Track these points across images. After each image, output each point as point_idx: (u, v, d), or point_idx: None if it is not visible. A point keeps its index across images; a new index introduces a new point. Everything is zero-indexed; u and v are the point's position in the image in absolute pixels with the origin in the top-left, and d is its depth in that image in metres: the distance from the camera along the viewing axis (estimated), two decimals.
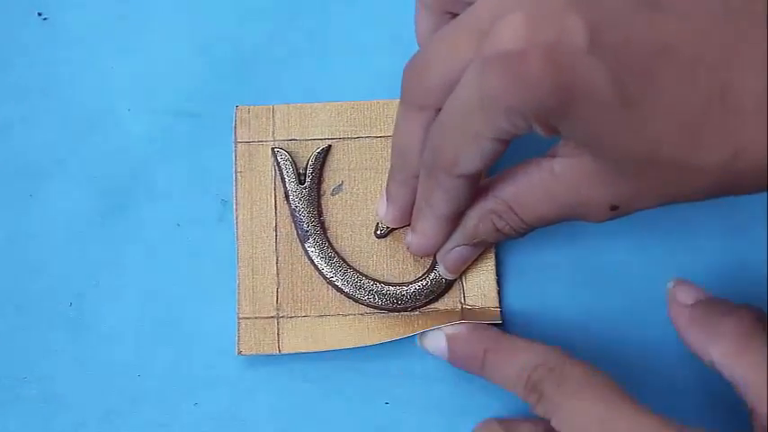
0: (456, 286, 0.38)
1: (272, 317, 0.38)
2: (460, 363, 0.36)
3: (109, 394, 0.38)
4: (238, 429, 0.38)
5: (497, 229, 0.34)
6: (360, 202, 0.39)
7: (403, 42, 0.39)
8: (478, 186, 0.34)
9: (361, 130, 0.39)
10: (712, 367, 0.32)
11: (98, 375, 0.38)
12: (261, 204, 0.39)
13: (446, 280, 0.38)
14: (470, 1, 0.31)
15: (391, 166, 0.36)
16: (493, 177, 0.34)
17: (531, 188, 0.33)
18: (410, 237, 0.36)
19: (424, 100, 0.32)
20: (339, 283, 0.38)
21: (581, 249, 0.39)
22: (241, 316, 0.38)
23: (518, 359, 0.34)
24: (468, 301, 0.38)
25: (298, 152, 0.39)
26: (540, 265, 0.39)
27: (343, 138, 0.39)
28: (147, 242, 0.39)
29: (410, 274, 0.38)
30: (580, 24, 0.27)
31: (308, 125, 0.39)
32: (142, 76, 0.41)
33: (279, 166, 0.39)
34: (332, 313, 0.38)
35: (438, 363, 0.37)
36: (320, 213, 0.39)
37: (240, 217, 0.39)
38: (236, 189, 0.39)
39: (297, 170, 0.39)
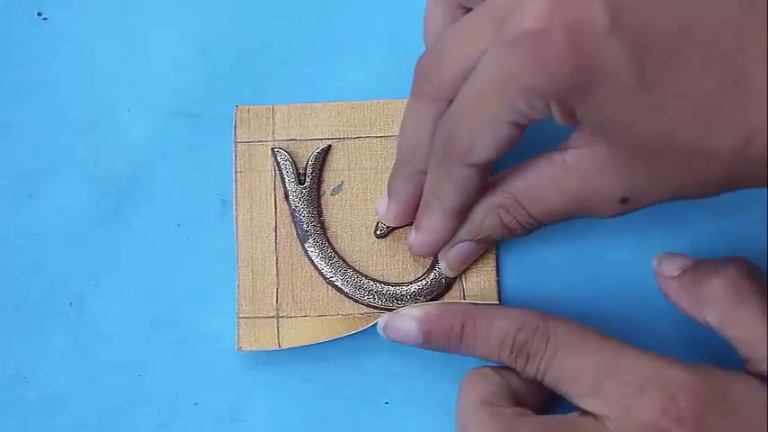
0: (456, 286, 0.38)
1: (272, 316, 0.38)
2: (435, 343, 0.35)
3: (109, 394, 0.38)
4: (238, 429, 0.38)
5: (504, 224, 0.34)
6: (360, 201, 0.39)
7: (403, 42, 0.39)
8: (487, 182, 0.34)
9: (361, 129, 0.39)
10: (710, 329, 0.33)
11: (98, 375, 0.38)
12: (261, 204, 0.39)
13: (446, 280, 0.38)
14: None
15: (396, 161, 0.36)
16: (502, 173, 0.34)
17: (540, 181, 0.33)
18: (413, 236, 0.36)
19: (437, 91, 0.33)
20: (339, 283, 0.38)
21: (581, 249, 0.39)
22: (241, 316, 0.38)
23: (498, 326, 0.34)
24: (468, 300, 0.38)
25: (298, 152, 0.39)
26: (540, 265, 0.39)
27: (343, 138, 0.39)
28: (147, 242, 0.39)
29: (410, 274, 0.38)
30: (602, 7, 0.28)
31: (308, 125, 0.39)
32: (142, 76, 0.41)
33: (279, 166, 0.39)
34: (332, 313, 0.38)
35: (438, 362, 0.37)
36: (320, 213, 0.39)
37: (240, 217, 0.39)
38: (235, 189, 0.39)
39: (297, 170, 0.39)
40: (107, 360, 0.39)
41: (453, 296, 0.38)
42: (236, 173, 0.39)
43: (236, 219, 0.39)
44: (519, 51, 0.28)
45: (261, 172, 0.39)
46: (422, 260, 0.38)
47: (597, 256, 0.39)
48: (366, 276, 0.38)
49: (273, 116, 0.39)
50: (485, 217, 0.34)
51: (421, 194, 0.35)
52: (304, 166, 0.39)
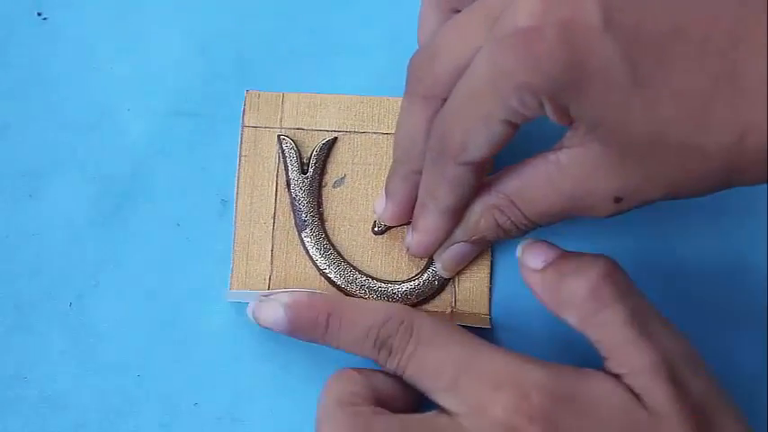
0: (448, 289, 0.38)
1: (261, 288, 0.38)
2: (301, 332, 0.35)
3: (109, 394, 0.38)
4: (238, 429, 0.38)
5: (498, 225, 0.34)
6: (360, 196, 0.39)
7: (403, 42, 0.39)
8: (482, 182, 0.34)
9: (369, 125, 0.39)
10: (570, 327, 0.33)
11: (98, 375, 0.38)
12: (262, 190, 0.39)
13: (438, 282, 0.38)
14: None
15: (393, 160, 0.36)
16: (497, 173, 0.34)
17: (535, 181, 0.33)
18: (410, 236, 0.36)
19: (430, 90, 0.33)
20: (332, 276, 0.38)
21: (578, 248, 0.39)
22: (230, 292, 0.38)
23: (363, 319, 0.34)
24: (458, 305, 0.38)
25: (303, 141, 0.39)
26: None
27: (350, 131, 0.39)
28: (147, 242, 0.39)
29: (403, 273, 0.39)
30: (595, 4, 0.28)
31: (316, 115, 0.39)
32: (142, 76, 0.41)
33: (283, 154, 0.39)
34: None
35: None
36: (320, 204, 0.39)
37: (240, 201, 0.39)
38: (238, 172, 0.39)
39: (301, 159, 0.39)
40: (107, 360, 0.39)
41: (444, 299, 0.38)
42: (240, 156, 0.39)
43: (236, 202, 0.39)
44: (512, 49, 0.28)
45: (265, 158, 0.39)
46: (416, 260, 0.38)
47: None
48: (360, 271, 0.38)
49: (283, 104, 0.39)
50: (479, 218, 0.34)
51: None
52: (308, 155, 0.39)
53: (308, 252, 0.38)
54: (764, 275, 0.38)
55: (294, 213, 0.39)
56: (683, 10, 0.28)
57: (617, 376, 0.31)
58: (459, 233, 0.36)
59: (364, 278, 0.38)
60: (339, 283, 0.38)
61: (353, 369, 0.34)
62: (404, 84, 0.34)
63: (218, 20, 0.41)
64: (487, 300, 0.38)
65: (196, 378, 0.38)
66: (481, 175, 0.34)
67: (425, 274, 0.38)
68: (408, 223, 0.37)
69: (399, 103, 0.38)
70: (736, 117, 0.28)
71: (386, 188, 0.37)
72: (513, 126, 0.31)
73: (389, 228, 0.38)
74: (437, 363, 0.32)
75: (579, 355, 0.35)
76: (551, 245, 0.34)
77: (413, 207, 0.36)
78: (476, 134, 0.31)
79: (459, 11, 0.34)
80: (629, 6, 0.28)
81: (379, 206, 0.37)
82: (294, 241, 0.39)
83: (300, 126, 0.39)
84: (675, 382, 0.31)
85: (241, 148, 0.39)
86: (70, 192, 0.40)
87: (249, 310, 0.36)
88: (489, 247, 0.39)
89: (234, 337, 0.38)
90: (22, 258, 0.39)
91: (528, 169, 0.33)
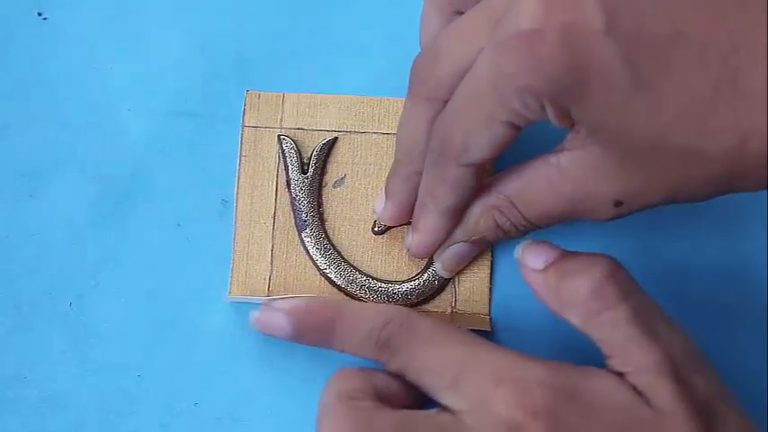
0: (448, 289, 0.38)
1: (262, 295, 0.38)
2: (305, 338, 0.35)
3: (109, 394, 0.38)
4: (238, 429, 0.38)
5: (498, 226, 0.34)
6: (361, 196, 0.39)
7: (403, 42, 0.39)
8: (482, 183, 0.34)
9: (369, 125, 0.39)
10: (572, 326, 0.33)
11: (98, 375, 0.38)
12: (262, 190, 0.39)
13: (438, 282, 0.38)
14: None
15: (394, 161, 0.36)
16: (497, 174, 0.34)
17: (535, 183, 0.33)
18: (410, 237, 0.36)
19: (433, 91, 0.33)
20: (332, 276, 0.38)
21: (578, 249, 0.39)
22: (230, 294, 0.38)
23: (366, 321, 0.34)
24: (458, 305, 0.38)
25: (304, 141, 0.39)
26: None
27: (350, 131, 0.39)
28: (147, 242, 0.39)
29: (403, 273, 0.39)
30: (597, 7, 0.28)
31: (317, 115, 0.39)
32: (142, 75, 0.41)
33: (283, 154, 0.39)
34: None
35: None
36: (320, 204, 0.39)
37: (240, 200, 0.39)
38: (239, 172, 0.39)
39: (301, 159, 0.39)
40: (107, 360, 0.39)
41: (444, 299, 0.38)
42: (240, 156, 0.39)
43: (237, 202, 0.39)
44: (514, 51, 0.28)
45: (265, 158, 0.39)
46: (416, 260, 0.38)
47: None
48: (360, 271, 0.38)
49: (283, 104, 0.39)
50: (479, 218, 0.35)
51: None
52: (309, 155, 0.39)
53: (308, 252, 0.38)
54: (765, 275, 0.38)
55: (294, 213, 0.39)
56: (685, 14, 0.28)
57: (620, 375, 0.31)
58: (458, 233, 0.36)
59: (364, 278, 0.38)
60: (339, 283, 0.38)
61: (355, 367, 0.34)
62: (404, 84, 0.34)
63: (218, 20, 0.41)
64: (487, 300, 0.38)
65: (196, 378, 0.38)
66: (482, 177, 0.34)
67: (425, 274, 0.38)
68: (408, 223, 0.37)
69: (399, 103, 0.39)
70: (737, 122, 0.28)
71: (386, 188, 0.37)
72: (515, 128, 0.31)
73: (389, 228, 0.39)
74: (438, 361, 0.32)
75: (580, 356, 0.34)
76: (552, 244, 0.34)
77: (413, 207, 0.36)
78: (477, 136, 0.31)
79: (461, 13, 0.34)
80: (630, 10, 0.28)
81: (379, 206, 0.37)
82: (294, 241, 0.39)
83: (300, 126, 0.39)
84: (679, 380, 0.30)
85: (241, 148, 0.39)
86: (70, 192, 0.40)
87: (251, 319, 0.36)
88: (489, 248, 0.39)
89: (234, 337, 0.38)
90: (22, 258, 0.39)
91: (528, 171, 0.33)
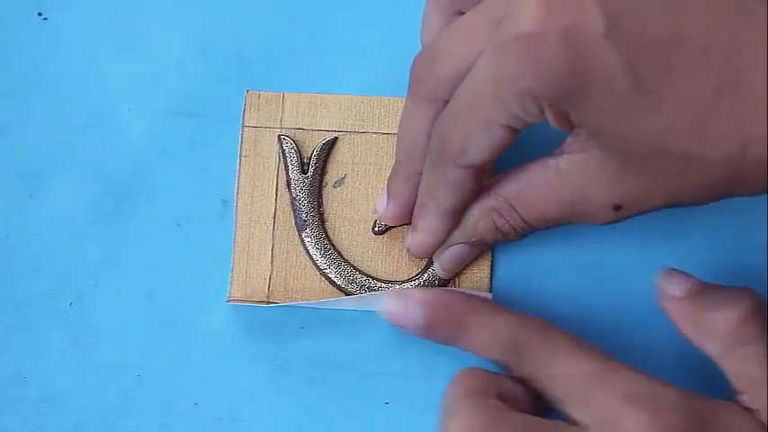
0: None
1: (263, 302, 0.38)
2: (437, 333, 0.34)
3: (109, 394, 0.38)
4: (238, 429, 0.38)
5: (497, 228, 0.34)
6: (361, 196, 0.39)
7: (403, 42, 0.39)
8: (482, 185, 0.34)
9: (369, 125, 0.39)
10: (706, 355, 0.32)
11: (98, 375, 0.38)
12: (262, 190, 0.39)
13: (438, 282, 0.38)
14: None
15: (395, 161, 0.36)
16: (497, 176, 0.34)
17: (534, 186, 0.33)
18: (410, 237, 0.36)
19: (433, 91, 0.32)
20: (332, 276, 0.38)
21: (579, 250, 0.39)
22: (231, 298, 0.38)
23: (500, 324, 0.33)
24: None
25: (304, 141, 0.39)
26: (536, 270, 0.39)
27: (351, 131, 0.39)
28: (147, 242, 0.39)
29: (403, 273, 0.39)
30: (598, 10, 0.27)
31: (317, 115, 0.39)
32: (142, 75, 0.41)
33: (283, 154, 0.39)
34: None
35: (438, 363, 0.37)
36: (320, 204, 0.39)
37: (240, 201, 0.39)
38: (239, 172, 0.39)
39: (301, 159, 0.39)
40: (107, 360, 0.39)
41: None
42: (240, 156, 0.39)
43: (237, 202, 0.39)
44: (514, 54, 0.28)
45: (265, 158, 0.39)
46: (416, 260, 0.38)
47: (594, 261, 0.39)
48: (360, 271, 0.38)
49: (283, 104, 0.39)
50: (478, 220, 0.35)
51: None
52: (309, 155, 0.39)
53: (308, 252, 0.38)
54: (765, 275, 0.38)
55: (294, 213, 0.39)
56: (686, 17, 0.27)
57: (750, 410, 0.31)
58: (457, 235, 0.36)
59: (364, 278, 0.38)
60: (339, 283, 0.38)
61: (479, 368, 0.34)
62: (404, 84, 0.34)
63: (218, 20, 0.41)
64: (489, 298, 0.38)
65: (196, 378, 0.38)
66: (481, 178, 0.34)
67: (425, 275, 0.38)
68: (409, 223, 0.37)
69: (400, 103, 0.39)
70: (738, 127, 0.27)
71: (387, 188, 0.37)
72: (514, 131, 0.31)
73: (390, 228, 0.39)
74: (570, 372, 0.32)
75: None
76: (690, 275, 0.33)
77: (414, 208, 0.36)
78: (476, 138, 0.31)
79: (462, 13, 0.34)
80: (631, 13, 0.27)
81: (381, 206, 0.37)
82: (294, 241, 0.39)
83: (301, 126, 0.39)
84: None
85: (241, 148, 0.39)
86: (70, 192, 0.40)
87: (381, 306, 0.35)
88: (489, 249, 0.39)
89: (234, 337, 0.38)
90: (22, 258, 0.39)
91: (528, 174, 0.33)
